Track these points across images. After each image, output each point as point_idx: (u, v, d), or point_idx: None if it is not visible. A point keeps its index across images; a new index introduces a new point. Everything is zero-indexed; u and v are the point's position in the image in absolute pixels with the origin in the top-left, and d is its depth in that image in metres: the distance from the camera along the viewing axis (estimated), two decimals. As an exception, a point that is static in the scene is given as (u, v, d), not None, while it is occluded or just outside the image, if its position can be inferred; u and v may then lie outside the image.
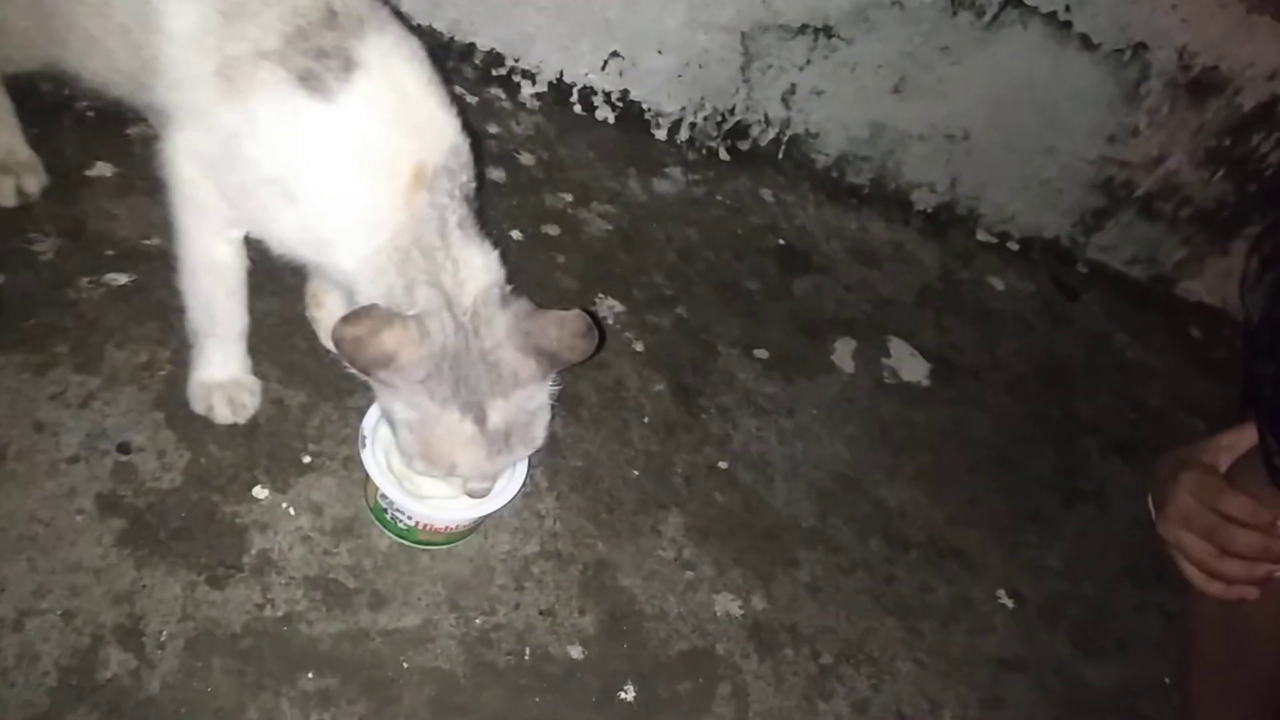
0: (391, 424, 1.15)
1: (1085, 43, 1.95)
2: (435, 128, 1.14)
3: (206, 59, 1.09)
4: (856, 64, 1.99)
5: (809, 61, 1.99)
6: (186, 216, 1.19)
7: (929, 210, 2.23)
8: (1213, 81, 2.02)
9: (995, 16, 1.92)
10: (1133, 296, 2.36)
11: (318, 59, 1.08)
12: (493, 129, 1.89)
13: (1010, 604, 1.58)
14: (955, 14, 1.91)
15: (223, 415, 1.29)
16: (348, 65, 1.08)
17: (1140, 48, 1.96)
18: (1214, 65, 1.99)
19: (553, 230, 1.77)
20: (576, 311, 1.11)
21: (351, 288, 1.15)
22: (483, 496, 1.19)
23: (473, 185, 1.17)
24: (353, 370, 1.07)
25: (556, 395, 1.18)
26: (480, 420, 1.09)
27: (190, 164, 1.16)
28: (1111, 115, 2.08)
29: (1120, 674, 1.56)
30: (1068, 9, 1.90)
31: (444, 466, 1.12)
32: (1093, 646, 1.58)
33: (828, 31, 1.94)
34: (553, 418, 1.18)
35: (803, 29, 1.94)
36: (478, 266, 1.13)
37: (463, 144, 1.16)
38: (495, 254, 1.17)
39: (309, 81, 1.08)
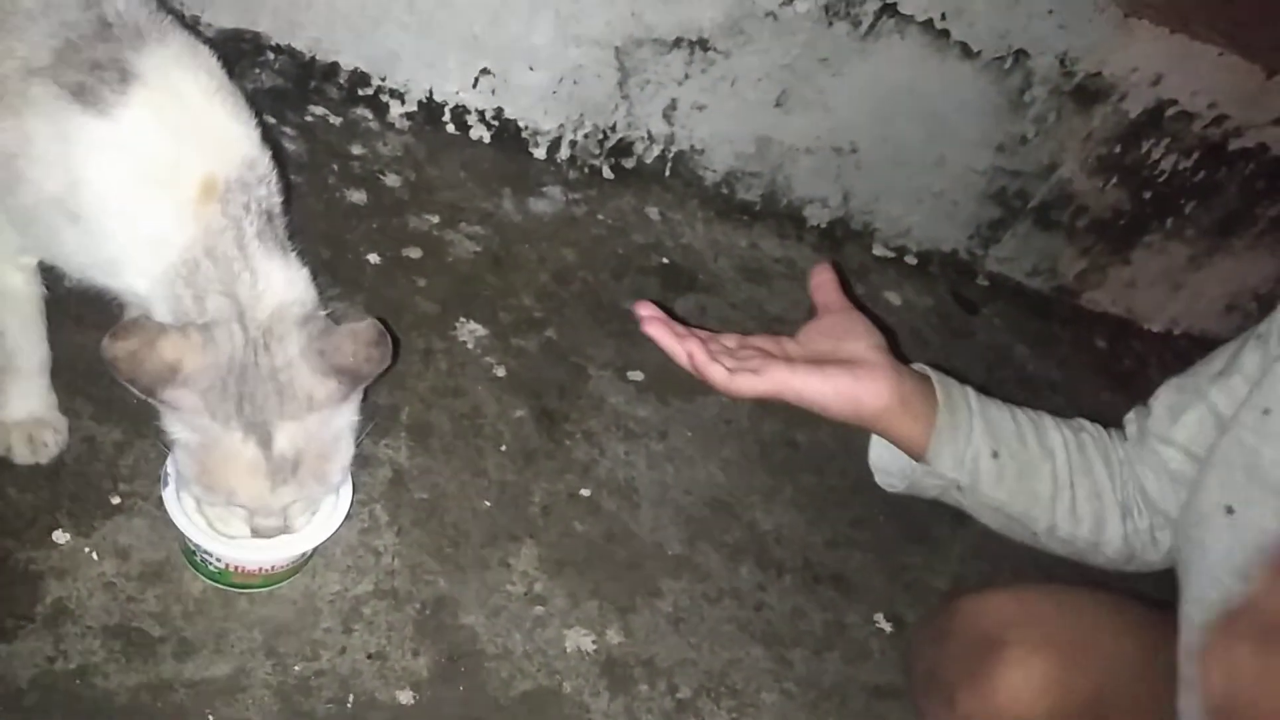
0: (173, 445, 1.07)
1: (965, 51, 1.91)
2: (225, 139, 1.07)
3: (-27, 79, 1.03)
4: (736, 77, 1.94)
5: (687, 76, 1.94)
6: (-29, 245, 1.12)
7: (823, 225, 2.18)
8: (1097, 88, 1.99)
9: (872, 26, 1.88)
10: (1035, 309, 2.32)
11: (91, 72, 1.01)
12: (356, 150, 1.82)
13: (889, 628, 1.52)
14: (831, 24, 1.87)
15: (22, 455, 1.21)
16: (124, 77, 1.02)
17: (1021, 54, 1.92)
18: (1096, 71, 1.96)
19: (414, 253, 1.70)
20: (369, 321, 1.05)
21: (149, 313, 1.08)
22: (270, 537, 1.10)
23: (276, 199, 1.10)
24: (135, 391, 1.00)
25: (361, 429, 1.12)
26: (265, 443, 1.01)
27: (-30, 190, 1.09)
28: (998, 124, 2.04)
29: (1004, 698, 1.50)
30: (944, 17, 1.86)
31: (221, 493, 1.04)
32: (976, 670, 1.51)
33: (703, 45, 1.89)
34: (359, 445, 1.12)
35: (677, 42, 1.89)
36: (278, 281, 1.06)
37: (260, 156, 1.09)
38: (303, 272, 1.10)
39: (83, 96, 1.01)
